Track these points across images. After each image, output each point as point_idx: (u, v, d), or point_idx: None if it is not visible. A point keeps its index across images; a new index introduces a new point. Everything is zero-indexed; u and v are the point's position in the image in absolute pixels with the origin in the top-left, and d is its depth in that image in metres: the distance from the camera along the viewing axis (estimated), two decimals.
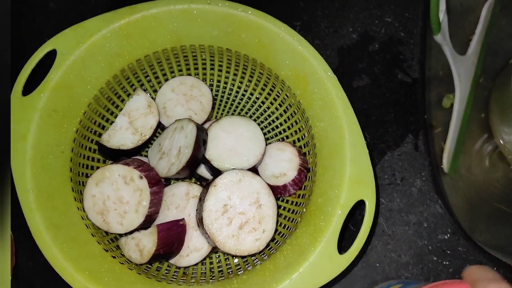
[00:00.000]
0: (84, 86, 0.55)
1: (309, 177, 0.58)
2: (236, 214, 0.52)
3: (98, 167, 0.59)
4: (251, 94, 0.65)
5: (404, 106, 0.69)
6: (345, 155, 0.51)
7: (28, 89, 0.52)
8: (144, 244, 0.52)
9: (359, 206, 0.54)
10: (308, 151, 0.59)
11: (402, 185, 0.65)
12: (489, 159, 0.63)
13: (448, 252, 0.62)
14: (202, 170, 0.59)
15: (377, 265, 0.61)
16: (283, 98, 0.61)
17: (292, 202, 0.59)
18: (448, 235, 0.63)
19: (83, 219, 0.53)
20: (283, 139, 0.63)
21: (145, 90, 0.63)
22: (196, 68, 0.64)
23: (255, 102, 0.65)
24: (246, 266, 0.55)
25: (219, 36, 0.58)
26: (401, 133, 0.67)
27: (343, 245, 0.50)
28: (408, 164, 0.66)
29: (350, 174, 0.50)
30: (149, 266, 0.55)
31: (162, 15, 0.55)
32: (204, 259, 0.56)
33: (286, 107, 0.61)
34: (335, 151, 0.53)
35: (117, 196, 0.53)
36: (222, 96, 0.66)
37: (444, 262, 0.61)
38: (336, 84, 0.53)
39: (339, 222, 0.49)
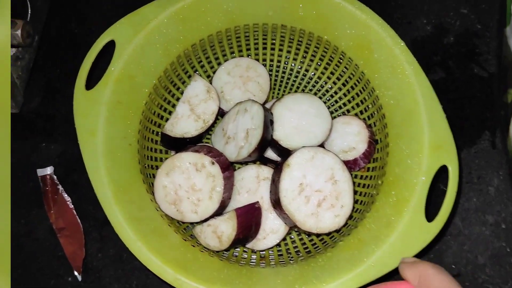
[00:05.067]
0: (144, 75, 0.54)
1: (378, 149, 0.56)
2: (313, 192, 0.51)
3: (161, 158, 0.58)
4: (306, 70, 0.63)
5: (480, 102, 0.66)
6: (421, 121, 0.50)
7: (88, 83, 0.51)
8: (223, 230, 0.51)
9: (437, 178, 0.52)
10: (374, 122, 0.58)
11: (478, 184, 0.62)
12: None
13: None
14: (269, 153, 0.57)
15: (453, 266, 0.58)
16: (342, 70, 0.59)
17: (362, 176, 0.58)
18: None
19: (157, 210, 0.52)
20: (344, 113, 0.62)
21: None
22: (248, 49, 0.63)
23: (311, 78, 0.63)
24: (324, 245, 0.54)
25: (274, 13, 0.57)
26: (477, 130, 0.64)
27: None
28: (485, 162, 0.63)
29: (429, 140, 0.49)
30: (225, 252, 0.54)
31: None
32: (280, 241, 0.55)
33: (346, 80, 0.60)
34: (409, 118, 0.51)
35: (189, 184, 0.52)
36: (277, 76, 0.64)
37: None
38: (404, 50, 0.52)
39: (424, 189, 0.48)
